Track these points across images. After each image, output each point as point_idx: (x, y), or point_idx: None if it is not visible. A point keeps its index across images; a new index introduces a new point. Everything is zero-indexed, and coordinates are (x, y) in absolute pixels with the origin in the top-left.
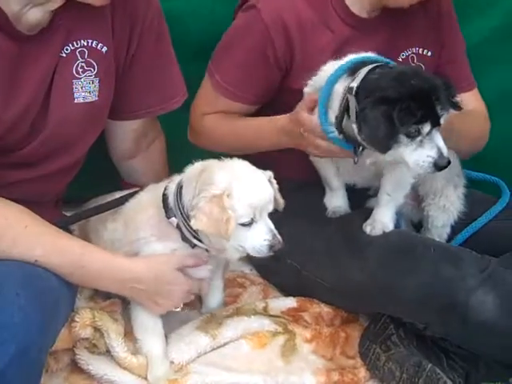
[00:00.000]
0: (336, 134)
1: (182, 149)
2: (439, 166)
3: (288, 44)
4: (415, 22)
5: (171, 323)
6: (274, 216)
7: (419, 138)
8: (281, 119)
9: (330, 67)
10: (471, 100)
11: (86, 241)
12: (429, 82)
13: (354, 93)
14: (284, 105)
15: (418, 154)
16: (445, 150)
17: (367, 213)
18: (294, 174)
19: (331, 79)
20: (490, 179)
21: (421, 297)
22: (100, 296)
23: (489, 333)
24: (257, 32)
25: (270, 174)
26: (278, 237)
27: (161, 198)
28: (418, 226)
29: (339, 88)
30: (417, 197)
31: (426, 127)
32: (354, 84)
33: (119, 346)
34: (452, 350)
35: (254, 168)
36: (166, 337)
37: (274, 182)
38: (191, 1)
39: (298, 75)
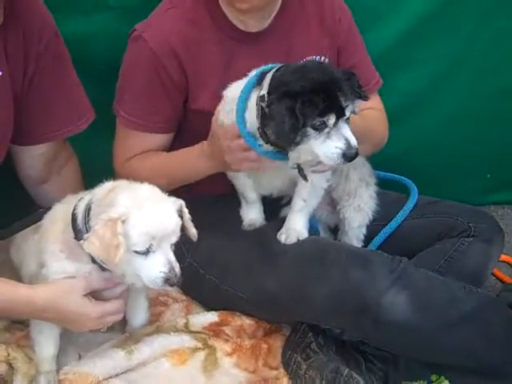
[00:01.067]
0: (264, 146)
1: (97, 169)
2: (348, 156)
3: (180, 66)
4: (308, 31)
5: (92, 345)
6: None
7: (326, 130)
8: (198, 146)
9: (236, 87)
10: (374, 101)
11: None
12: (330, 74)
13: (265, 99)
14: (189, 127)
15: (326, 146)
16: (353, 141)
17: (282, 223)
18: (210, 187)
19: (243, 96)
20: (397, 178)
21: (333, 302)
22: (16, 326)
23: (402, 332)
24: (148, 61)
25: (180, 203)
26: (176, 270)
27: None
28: (335, 230)
29: (252, 101)
30: (331, 201)
31: (331, 119)
32: (264, 91)
33: None
34: (371, 352)
35: (161, 196)
36: (81, 356)
37: (186, 211)
38: (95, 22)
39: (195, 95)
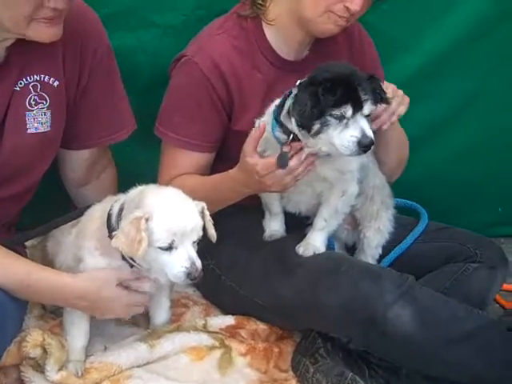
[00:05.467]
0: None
1: (133, 177)
2: (363, 144)
3: (227, 89)
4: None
5: (117, 338)
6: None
7: (344, 121)
8: (231, 173)
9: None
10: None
11: (46, 256)
12: (352, 70)
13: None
14: (226, 147)
15: (343, 135)
16: (368, 131)
17: (301, 237)
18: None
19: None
20: (409, 204)
21: (342, 312)
22: (50, 314)
23: (406, 345)
24: (199, 82)
25: (202, 205)
26: (197, 265)
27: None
28: (351, 248)
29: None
30: (353, 221)
31: (349, 110)
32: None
33: (52, 371)
34: (374, 361)
35: (185, 197)
36: (107, 347)
37: (207, 213)
38: (139, 36)
39: (237, 117)
